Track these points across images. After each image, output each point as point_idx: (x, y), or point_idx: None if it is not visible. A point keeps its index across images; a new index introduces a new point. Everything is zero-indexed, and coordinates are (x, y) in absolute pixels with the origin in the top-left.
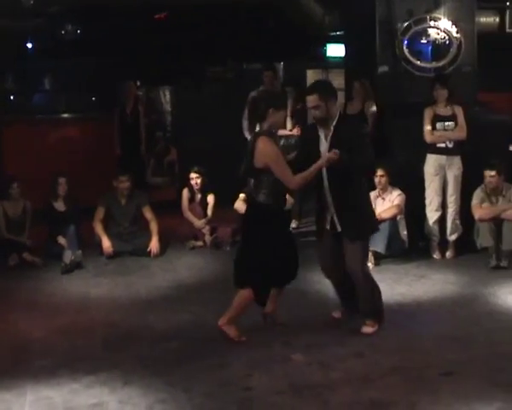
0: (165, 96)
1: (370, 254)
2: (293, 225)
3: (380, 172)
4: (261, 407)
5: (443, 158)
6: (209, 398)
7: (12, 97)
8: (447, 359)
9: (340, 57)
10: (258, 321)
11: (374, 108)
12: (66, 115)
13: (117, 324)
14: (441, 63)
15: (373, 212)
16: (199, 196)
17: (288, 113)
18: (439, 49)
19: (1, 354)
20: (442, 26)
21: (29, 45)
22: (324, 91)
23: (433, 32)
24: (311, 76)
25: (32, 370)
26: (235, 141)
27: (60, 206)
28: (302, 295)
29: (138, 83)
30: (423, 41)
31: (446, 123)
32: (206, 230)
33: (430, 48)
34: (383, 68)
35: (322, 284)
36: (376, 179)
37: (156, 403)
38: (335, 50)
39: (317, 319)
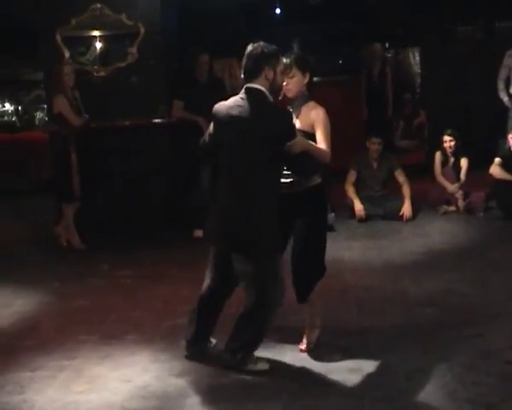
0: (414, 58)
1: None
2: None
3: None
4: None
5: None
6: (469, 369)
7: None
8: None
9: None
10: None
11: None
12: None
13: (371, 287)
14: None
15: None
16: (452, 159)
17: None
18: None
19: None
20: None
21: (277, 11)
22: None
23: None
24: None
25: (286, 328)
26: (485, 102)
27: None
28: None
29: (387, 45)
30: None
31: None
32: (459, 194)
33: None
34: None
35: None
36: None
37: (415, 371)
38: None
39: None
